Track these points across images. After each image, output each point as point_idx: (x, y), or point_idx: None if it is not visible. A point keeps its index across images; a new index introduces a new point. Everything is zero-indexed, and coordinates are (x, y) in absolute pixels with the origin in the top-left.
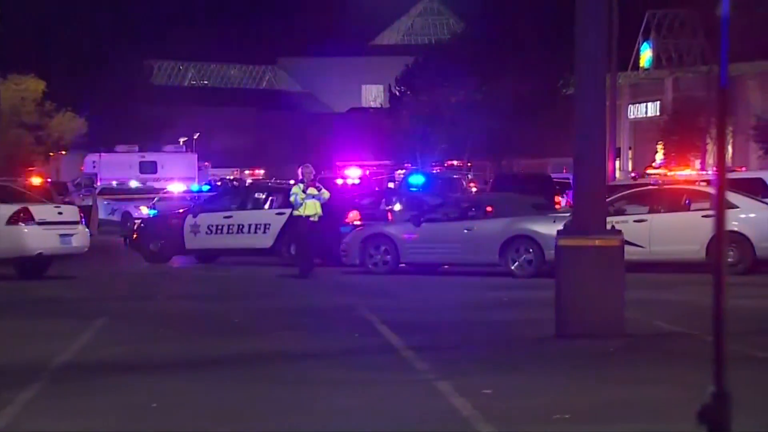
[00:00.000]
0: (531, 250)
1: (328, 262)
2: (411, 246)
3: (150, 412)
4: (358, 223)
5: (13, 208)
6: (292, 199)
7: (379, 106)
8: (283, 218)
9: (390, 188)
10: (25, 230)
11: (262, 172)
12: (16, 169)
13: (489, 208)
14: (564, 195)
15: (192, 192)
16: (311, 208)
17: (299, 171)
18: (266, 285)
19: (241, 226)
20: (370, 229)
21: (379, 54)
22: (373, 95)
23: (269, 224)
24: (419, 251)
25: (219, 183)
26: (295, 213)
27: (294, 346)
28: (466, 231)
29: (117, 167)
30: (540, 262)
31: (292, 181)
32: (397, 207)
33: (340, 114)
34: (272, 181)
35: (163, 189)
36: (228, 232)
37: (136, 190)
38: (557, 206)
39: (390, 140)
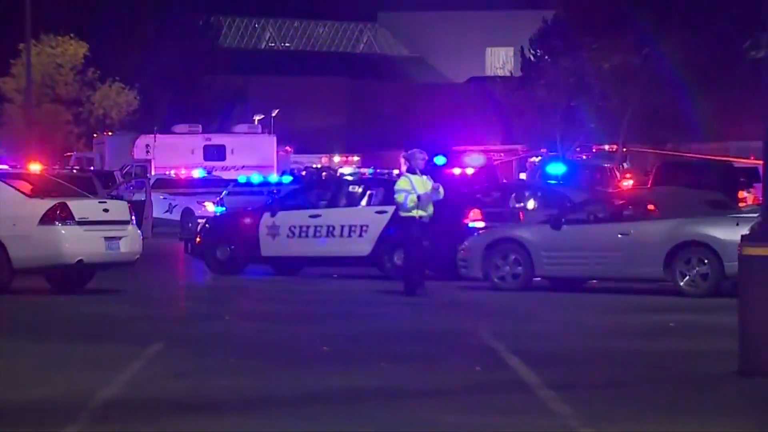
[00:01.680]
0: (706, 261)
1: (442, 275)
2: (549, 255)
3: None
4: (481, 224)
5: (48, 203)
6: (399, 197)
7: (507, 74)
8: (385, 218)
9: (522, 180)
10: (63, 231)
11: (357, 158)
12: (52, 155)
13: (651, 207)
14: (750, 189)
15: (270, 184)
16: (415, 205)
17: (402, 158)
18: (363, 303)
19: (331, 228)
20: (495, 233)
21: (509, 7)
22: (500, 60)
23: (367, 226)
24: (559, 261)
25: (303, 173)
26: (403, 213)
27: (399, 381)
28: (620, 236)
29: (176, 152)
30: (718, 277)
31: (396, 172)
32: (531, 204)
33: (457, 85)
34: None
35: (234, 180)
36: (315, 236)
37: (200, 182)
38: (741, 204)
39: (522, 118)
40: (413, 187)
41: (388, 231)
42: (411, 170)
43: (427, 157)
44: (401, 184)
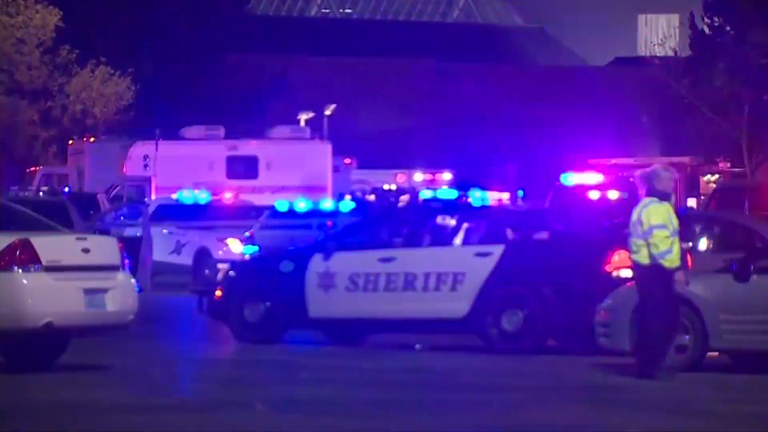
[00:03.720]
0: None
1: (573, 346)
2: (730, 318)
3: None
4: (630, 273)
5: (4, 240)
6: (660, 241)
7: (670, 53)
8: (489, 263)
9: (690, 207)
10: (24, 281)
11: (448, 176)
12: (10, 170)
13: None
14: None
15: (322, 213)
16: (678, 253)
17: (640, 178)
18: (456, 387)
19: (410, 277)
20: None
21: None
22: (658, 34)
23: (463, 274)
24: (746, 328)
25: (371, 197)
26: (652, 260)
27: None
28: None
29: (187, 167)
30: None
31: (504, 196)
32: (704, 244)
33: (597, 68)
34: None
35: (270, 207)
36: (387, 289)
37: (221, 210)
38: None
39: (691, 117)
40: (671, 221)
41: (506, 282)
42: (653, 195)
43: (676, 176)
44: (660, 213)
